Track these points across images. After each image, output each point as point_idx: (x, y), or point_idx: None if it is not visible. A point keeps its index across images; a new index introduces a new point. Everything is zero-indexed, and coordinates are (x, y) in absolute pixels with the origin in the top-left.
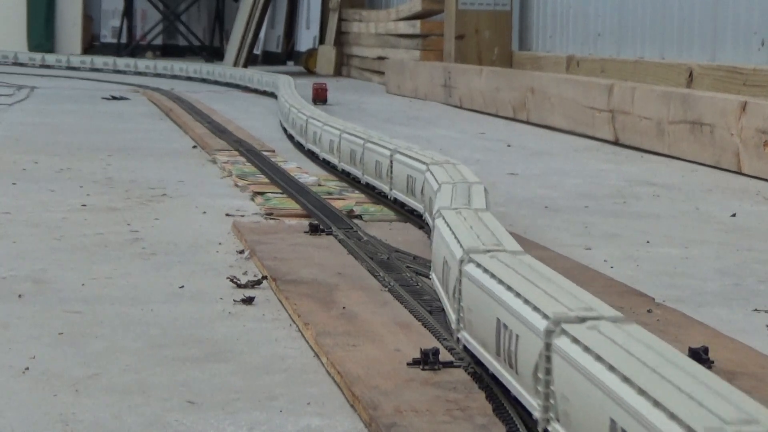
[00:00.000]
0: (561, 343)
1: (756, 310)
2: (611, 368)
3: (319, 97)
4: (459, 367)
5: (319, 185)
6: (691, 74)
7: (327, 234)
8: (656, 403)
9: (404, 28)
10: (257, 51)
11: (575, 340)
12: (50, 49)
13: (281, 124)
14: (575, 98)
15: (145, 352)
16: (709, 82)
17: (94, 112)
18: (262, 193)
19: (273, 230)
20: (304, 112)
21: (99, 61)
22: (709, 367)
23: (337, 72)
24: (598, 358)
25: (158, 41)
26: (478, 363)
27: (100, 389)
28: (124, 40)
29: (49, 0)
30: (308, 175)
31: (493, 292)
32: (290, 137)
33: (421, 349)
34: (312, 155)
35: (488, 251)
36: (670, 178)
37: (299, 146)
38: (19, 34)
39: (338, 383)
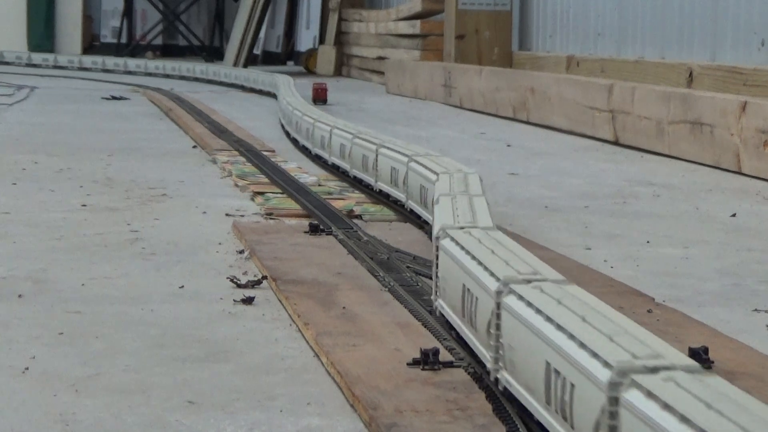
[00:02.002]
0: (632, 398)
1: (756, 310)
2: None
3: (319, 97)
4: (459, 367)
5: (319, 185)
6: (691, 74)
7: (327, 234)
8: None
9: (404, 28)
10: (257, 51)
11: (651, 395)
12: (50, 49)
13: (281, 124)
14: (575, 98)
15: (145, 352)
16: (709, 82)
17: (94, 112)
18: (262, 193)
19: (273, 230)
20: (309, 115)
21: (110, 62)
22: (709, 367)
23: (337, 72)
24: (684, 420)
25: (158, 41)
26: (522, 408)
27: (100, 389)
28: (124, 40)
29: (49, 0)
30: (308, 175)
31: (541, 331)
32: (294, 141)
33: (421, 349)
34: (313, 157)
35: (529, 281)
36: (670, 178)
37: (305, 150)
38: (19, 34)
39: (338, 383)
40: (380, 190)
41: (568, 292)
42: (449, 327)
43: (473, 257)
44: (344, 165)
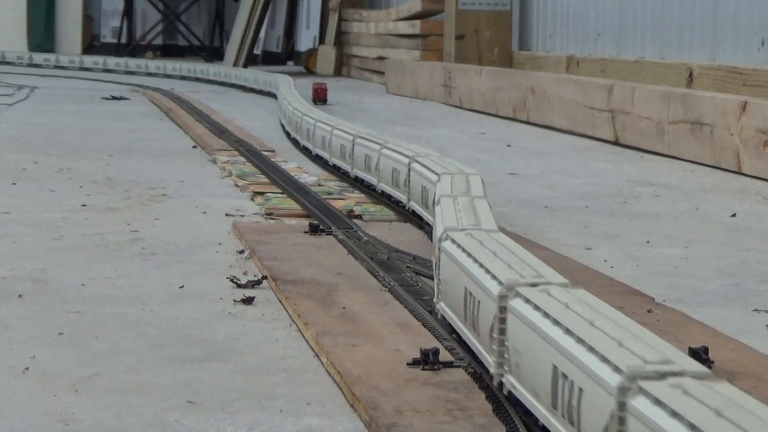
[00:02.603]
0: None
1: (756, 310)
2: None
3: (319, 97)
4: (459, 367)
5: (319, 185)
6: (691, 74)
7: (327, 234)
8: None
9: (404, 28)
10: (257, 51)
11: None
12: (50, 49)
13: (281, 125)
14: (575, 98)
15: (145, 352)
16: (709, 82)
17: (94, 112)
18: (262, 193)
19: (273, 230)
20: (325, 122)
21: (132, 63)
22: (710, 367)
23: (337, 72)
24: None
25: (158, 41)
26: None
27: (100, 389)
28: (124, 40)
29: (49, 0)
30: (308, 175)
31: None
32: (306, 149)
33: (421, 349)
34: (311, 156)
35: (663, 375)
36: (670, 178)
37: (319, 158)
38: (19, 35)
39: (338, 383)
40: (413, 211)
41: (715, 390)
42: (512, 399)
43: (568, 331)
44: (370, 179)
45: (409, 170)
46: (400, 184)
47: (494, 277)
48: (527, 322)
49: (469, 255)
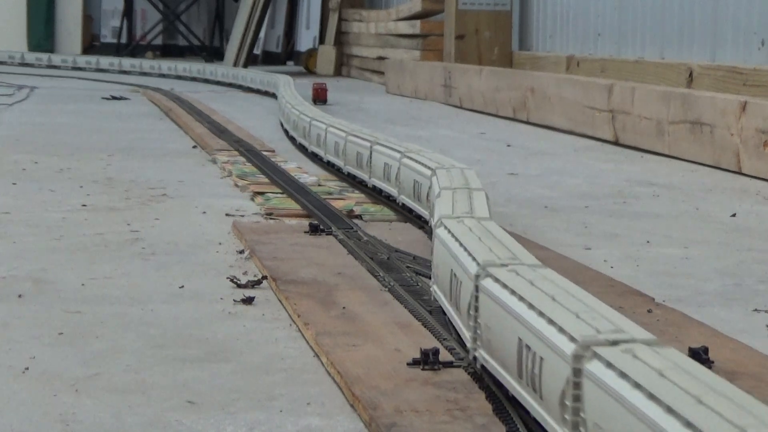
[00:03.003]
0: None
1: (756, 310)
2: None
3: (319, 97)
4: (459, 367)
5: (319, 185)
6: (691, 74)
7: (327, 234)
8: None
9: (404, 28)
10: (257, 51)
11: None
12: (50, 49)
13: (281, 125)
14: (575, 98)
15: (145, 352)
16: (709, 82)
17: (94, 112)
18: (262, 193)
19: (273, 230)
20: (338, 127)
21: (146, 65)
22: (709, 367)
23: (337, 72)
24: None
25: (158, 41)
26: None
27: (100, 389)
28: (124, 40)
29: (49, 0)
30: (308, 175)
31: None
32: (310, 151)
33: (421, 349)
34: (310, 154)
35: None
36: (670, 178)
37: (323, 161)
38: (19, 34)
39: (338, 383)
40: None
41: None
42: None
43: (670, 410)
44: (390, 190)
45: (431, 185)
46: (422, 198)
47: (563, 330)
48: (611, 392)
49: (522, 299)
